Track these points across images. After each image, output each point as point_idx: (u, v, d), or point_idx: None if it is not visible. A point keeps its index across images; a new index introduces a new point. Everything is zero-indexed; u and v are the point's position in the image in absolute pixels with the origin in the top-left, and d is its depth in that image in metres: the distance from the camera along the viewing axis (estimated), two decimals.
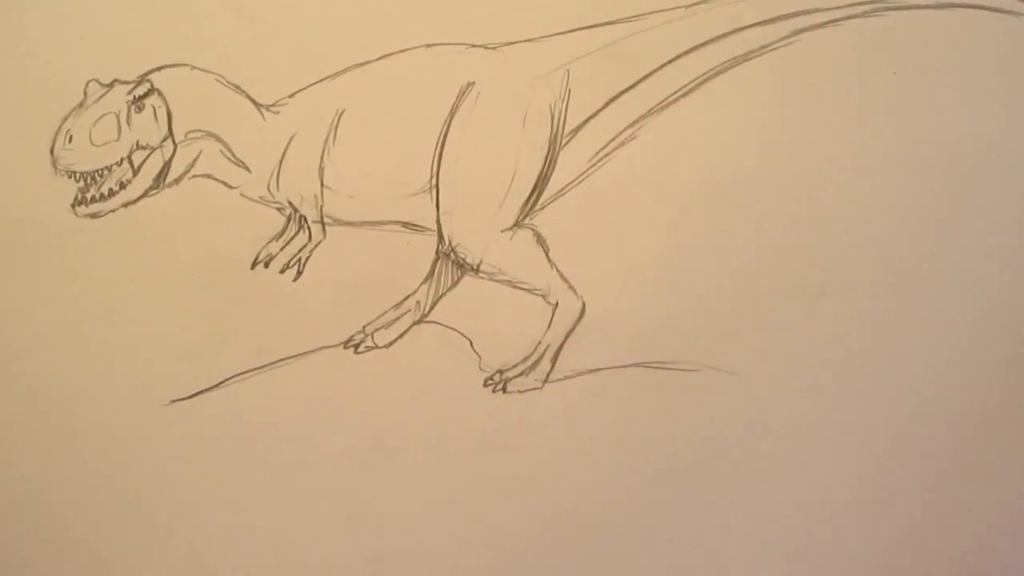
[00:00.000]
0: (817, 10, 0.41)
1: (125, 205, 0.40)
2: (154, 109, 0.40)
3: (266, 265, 0.40)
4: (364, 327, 0.39)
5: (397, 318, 0.39)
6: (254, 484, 0.38)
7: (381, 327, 0.39)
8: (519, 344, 0.39)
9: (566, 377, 0.39)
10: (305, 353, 0.39)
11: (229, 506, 0.38)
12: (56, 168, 0.40)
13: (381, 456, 0.38)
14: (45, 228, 0.40)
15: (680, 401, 0.39)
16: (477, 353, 0.39)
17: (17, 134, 0.40)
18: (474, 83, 0.41)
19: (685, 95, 0.41)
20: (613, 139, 0.41)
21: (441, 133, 0.40)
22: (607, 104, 0.41)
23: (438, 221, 0.40)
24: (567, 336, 0.39)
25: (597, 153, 0.40)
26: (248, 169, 0.40)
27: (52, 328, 0.39)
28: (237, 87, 0.41)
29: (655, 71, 0.41)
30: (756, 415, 0.39)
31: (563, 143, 0.41)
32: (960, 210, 0.41)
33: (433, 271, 0.40)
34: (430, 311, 0.39)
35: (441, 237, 0.40)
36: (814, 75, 0.41)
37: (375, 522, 0.38)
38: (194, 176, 0.40)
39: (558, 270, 0.40)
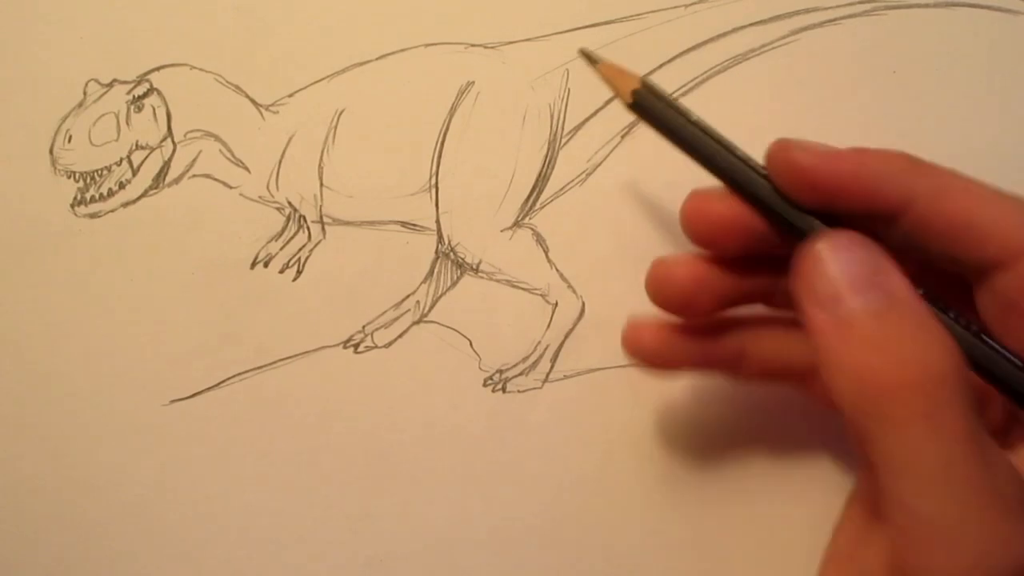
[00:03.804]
0: (816, 9, 0.41)
1: (124, 205, 0.40)
2: (153, 109, 0.40)
3: (265, 265, 0.40)
4: (364, 327, 0.39)
5: (397, 318, 0.39)
6: (253, 484, 0.38)
7: (381, 327, 0.39)
8: (519, 344, 0.39)
9: (566, 377, 0.39)
10: (305, 353, 0.39)
11: (229, 506, 0.38)
12: (55, 168, 0.40)
13: (380, 455, 0.38)
14: (45, 228, 0.40)
15: (679, 401, 0.39)
16: (477, 353, 0.39)
17: (17, 134, 0.40)
18: (473, 83, 0.41)
19: (684, 95, 0.41)
20: (613, 138, 0.41)
21: (440, 133, 0.40)
22: (607, 104, 0.41)
23: (437, 221, 0.40)
24: (567, 336, 0.39)
25: (597, 152, 0.41)
26: (247, 169, 0.40)
27: (51, 328, 0.39)
28: (237, 87, 0.41)
29: (654, 71, 0.41)
30: (756, 415, 0.38)
31: (563, 143, 0.41)
32: None
33: (432, 271, 0.40)
34: (430, 311, 0.40)
35: (440, 237, 0.40)
36: (814, 74, 0.41)
37: (375, 522, 0.38)
38: (193, 176, 0.40)
39: (558, 270, 0.40)
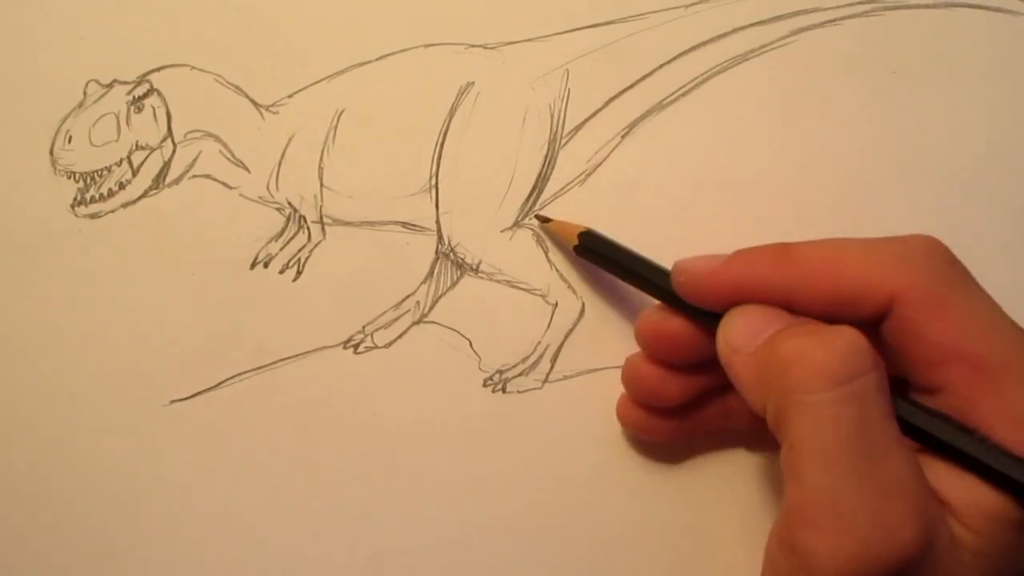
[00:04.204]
0: (816, 9, 0.41)
1: (125, 205, 0.40)
2: (153, 109, 0.40)
3: (265, 265, 0.40)
4: (364, 327, 0.39)
5: (397, 318, 0.39)
6: (253, 484, 0.38)
7: (381, 327, 0.39)
8: (519, 344, 0.39)
9: (566, 377, 0.39)
10: (305, 353, 0.39)
11: (229, 505, 0.38)
12: (55, 168, 0.40)
13: (380, 456, 0.38)
14: (45, 228, 0.40)
15: None
16: (477, 353, 0.39)
17: (17, 134, 0.40)
18: (473, 83, 0.41)
19: (685, 95, 0.41)
20: (613, 138, 0.41)
21: (440, 133, 0.40)
22: (607, 104, 0.41)
23: (437, 221, 0.40)
24: (567, 336, 0.39)
25: (597, 152, 0.41)
26: (247, 169, 0.40)
27: (51, 328, 0.39)
28: (237, 87, 0.41)
29: (655, 71, 0.41)
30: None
31: (563, 143, 0.41)
32: (960, 210, 0.41)
33: (432, 271, 0.40)
34: (429, 311, 0.40)
35: (440, 237, 0.40)
36: (814, 74, 0.41)
37: (375, 522, 0.38)
38: (194, 176, 0.40)
39: (557, 270, 0.40)
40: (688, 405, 0.37)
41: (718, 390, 0.36)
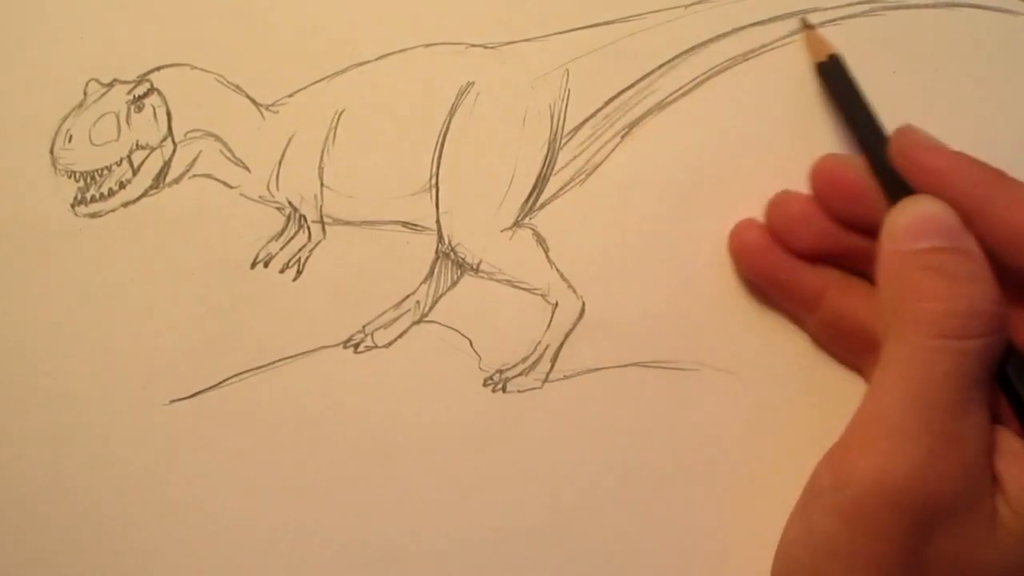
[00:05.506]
0: (816, 9, 0.41)
1: (125, 205, 0.40)
2: (154, 109, 0.40)
3: (266, 265, 0.40)
4: (364, 327, 0.39)
5: (397, 318, 0.39)
6: (253, 483, 0.38)
7: (381, 327, 0.39)
8: (519, 344, 0.39)
9: (566, 377, 0.39)
10: (305, 353, 0.39)
11: (228, 505, 0.38)
12: (56, 168, 0.40)
13: (380, 456, 0.38)
14: (45, 228, 0.40)
15: (680, 401, 0.39)
16: (477, 353, 0.39)
17: (17, 134, 0.40)
18: (473, 83, 0.41)
19: (685, 95, 0.41)
20: (613, 138, 0.41)
21: (441, 133, 0.40)
22: (607, 104, 0.41)
23: (438, 221, 0.40)
24: (567, 336, 0.39)
25: (597, 152, 0.41)
26: (248, 169, 0.40)
27: (51, 328, 0.39)
28: (237, 87, 0.41)
29: (654, 71, 0.41)
30: (756, 415, 0.39)
31: (563, 143, 0.41)
32: None
33: (433, 271, 0.40)
34: (430, 311, 0.40)
35: (441, 237, 0.40)
36: (814, 74, 0.41)
37: (375, 522, 0.38)
38: (194, 176, 0.40)
39: (558, 270, 0.40)
40: (805, 257, 0.37)
41: (839, 267, 0.37)
